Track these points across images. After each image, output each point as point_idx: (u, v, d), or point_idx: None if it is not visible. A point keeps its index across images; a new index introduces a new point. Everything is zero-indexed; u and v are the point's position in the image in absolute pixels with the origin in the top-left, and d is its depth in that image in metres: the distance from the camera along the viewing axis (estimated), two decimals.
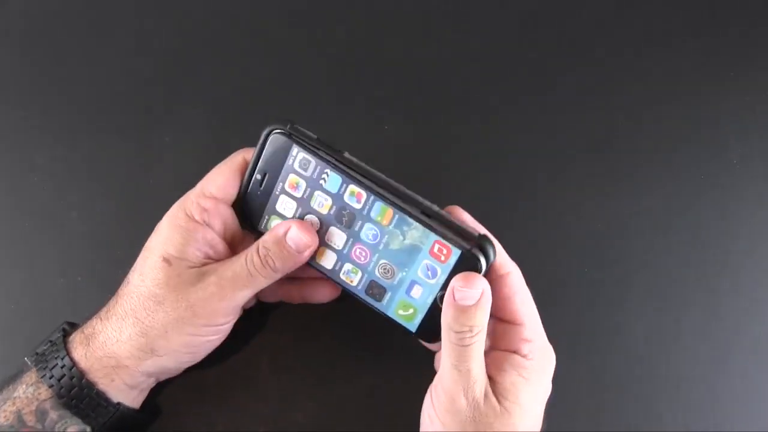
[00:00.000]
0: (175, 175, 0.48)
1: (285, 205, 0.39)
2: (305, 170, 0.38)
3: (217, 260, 0.39)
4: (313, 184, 0.38)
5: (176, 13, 0.52)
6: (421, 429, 0.38)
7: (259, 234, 0.39)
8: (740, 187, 0.48)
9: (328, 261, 0.39)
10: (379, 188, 0.37)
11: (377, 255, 0.38)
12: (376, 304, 0.39)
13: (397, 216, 0.37)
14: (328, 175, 0.38)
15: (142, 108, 0.50)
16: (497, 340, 0.38)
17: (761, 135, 0.49)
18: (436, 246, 0.36)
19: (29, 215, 0.47)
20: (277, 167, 0.38)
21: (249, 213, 0.40)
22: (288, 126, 0.38)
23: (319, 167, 0.38)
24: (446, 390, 0.36)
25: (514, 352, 0.37)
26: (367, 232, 0.38)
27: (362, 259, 0.38)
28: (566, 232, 0.47)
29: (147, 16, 0.52)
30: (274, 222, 0.39)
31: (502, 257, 0.38)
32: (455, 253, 0.36)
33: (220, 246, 0.39)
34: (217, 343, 0.40)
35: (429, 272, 0.37)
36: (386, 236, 0.38)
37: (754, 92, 0.50)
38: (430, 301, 0.37)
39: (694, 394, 0.44)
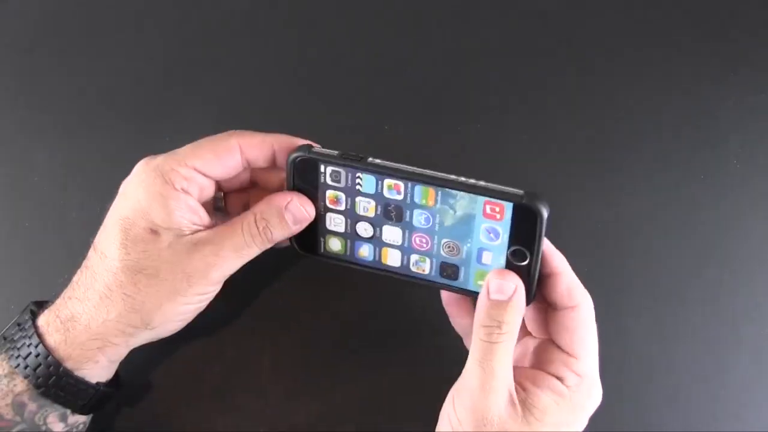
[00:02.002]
0: None
1: (334, 222, 0.40)
2: (339, 182, 0.38)
3: (203, 225, 0.38)
4: (351, 192, 0.38)
5: (176, 13, 0.52)
6: (438, 429, 0.37)
7: (322, 257, 0.41)
8: (740, 187, 0.48)
9: (394, 260, 0.39)
10: (412, 173, 0.37)
11: (436, 236, 0.38)
12: (454, 284, 0.39)
13: (440, 193, 0.37)
14: (361, 179, 0.38)
15: (142, 108, 0.50)
16: (546, 363, 0.37)
17: (761, 135, 0.49)
18: (488, 207, 0.36)
19: (29, 215, 0.47)
20: (312, 189, 0.39)
21: (305, 240, 0.40)
22: (308, 150, 0.38)
23: (350, 174, 0.38)
24: (468, 387, 0.35)
25: (559, 378, 0.36)
26: (419, 218, 0.38)
27: (424, 245, 0.39)
28: (566, 232, 0.47)
29: (147, 16, 0.52)
30: (333, 241, 0.40)
31: (576, 290, 0.37)
32: (508, 208, 0.36)
33: (202, 212, 0.38)
34: (201, 309, 0.40)
35: (491, 234, 0.37)
36: (437, 216, 0.38)
37: (754, 92, 0.50)
38: (503, 261, 0.37)
39: (694, 394, 0.44)
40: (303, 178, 0.39)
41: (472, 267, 0.38)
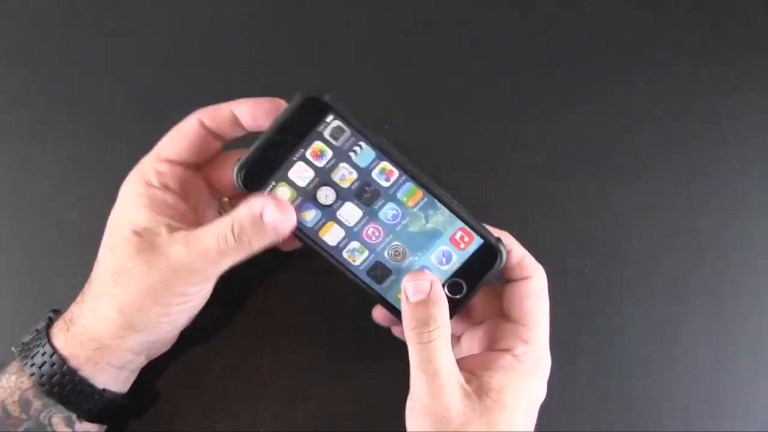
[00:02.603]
0: None
1: (300, 174, 0.37)
2: (335, 139, 0.37)
3: (186, 224, 0.37)
4: (341, 156, 0.37)
5: (176, 13, 0.52)
6: None
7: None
8: (740, 187, 0.48)
9: (332, 237, 0.38)
10: (412, 169, 0.37)
11: (391, 236, 0.38)
12: (374, 286, 0.38)
13: (426, 199, 0.37)
14: (361, 148, 0.37)
15: (142, 108, 0.50)
16: (497, 340, 0.38)
17: (761, 135, 0.49)
18: (459, 233, 0.37)
19: (29, 215, 0.47)
20: (302, 132, 0.37)
21: (253, 176, 0.37)
22: (328, 95, 0.37)
23: (352, 138, 0.37)
24: (417, 394, 0.35)
25: (508, 350, 0.37)
26: (387, 211, 0.37)
27: (373, 238, 0.38)
28: (566, 232, 0.47)
29: (147, 16, 0.52)
30: (282, 189, 0.37)
31: (525, 262, 0.38)
32: (476, 242, 0.37)
33: (183, 208, 0.38)
34: (197, 308, 0.38)
35: (444, 258, 0.37)
36: (407, 218, 0.37)
37: (754, 93, 0.50)
38: None
39: (694, 394, 0.44)
40: (301, 116, 0.37)
41: (401, 278, 0.37)
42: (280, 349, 0.44)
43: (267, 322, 0.45)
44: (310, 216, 0.38)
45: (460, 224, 0.37)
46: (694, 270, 0.46)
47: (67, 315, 0.38)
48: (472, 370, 0.36)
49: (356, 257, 0.38)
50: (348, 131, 0.37)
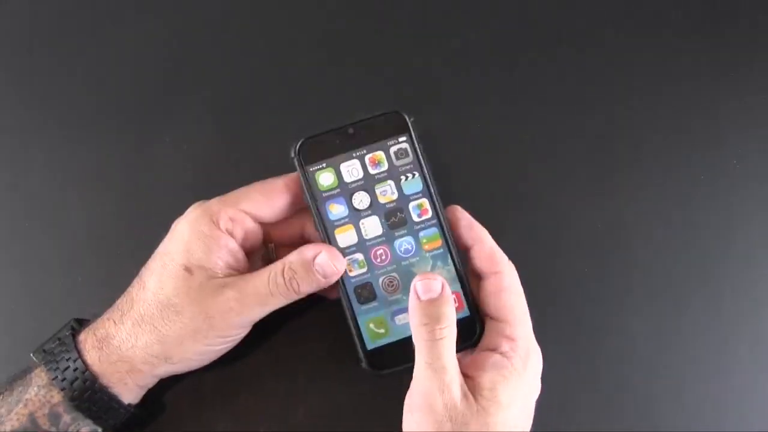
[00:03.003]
0: (174, 175, 0.48)
1: (350, 169, 0.38)
2: (397, 158, 0.38)
3: (238, 270, 0.39)
4: (393, 174, 0.38)
5: (176, 13, 0.52)
6: None
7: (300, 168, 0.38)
8: (740, 187, 0.48)
9: (345, 239, 0.39)
10: (443, 219, 0.38)
11: (395, 266, 0.38)
12: (353, 305, 0.39)
13: (441, 250, 0.38)
14: (413, 177, 0.38)
15: (142, 108, 0.50)
16: (483, 340, 0.38)
17: (761, 135, 0.49)
18: (453, 295, 0.37)
19: (29, 215, 0.47)
20: (373, 137, 0.38)
21: (310, 150, 0.39)
22: (413, 118, 0.38)
23: (411, 165, 0.38)
24: (421, 391, 0.35)
25: (495, 349, 0.37)
26: (404, 243, 0.38)
27: (378, 260, 0.38)
28: (566, 232, 0.47)
29: (147, 15, 0.52)
30: (326, 174, 0.38)
31: (497, 256, 0.38)
32: (463, 312, 0.38)
33: (241, 255, 0.39)
34: (227, 350, 0.40)
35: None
36: (417, 258, 0.38)
37: (754, 92, 0.50)
38: (407, 334, 0.37)
39: (694, 394, 0.44)
40: (379, 123, 0.38)
41: (383, 311, 0.38)
42: (280, 349, 0.44)
43: (267, 322, 0.45)
44: (337, 210, 0.39)
45: (458, 288, 0.38)
46: (694, 270, 0.46)
47: (99, 331, 0.38)
48: (465, 371, 0.36)
49: (354, 268, 0.39)
50: (411, 157, 0.38)
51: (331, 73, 0.50)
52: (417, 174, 0.38)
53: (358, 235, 0.39)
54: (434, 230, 0.38)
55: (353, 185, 0.38)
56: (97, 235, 0.47)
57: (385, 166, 0.38)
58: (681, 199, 0.47)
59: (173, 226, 0.39)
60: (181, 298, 0.37)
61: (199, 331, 0.37)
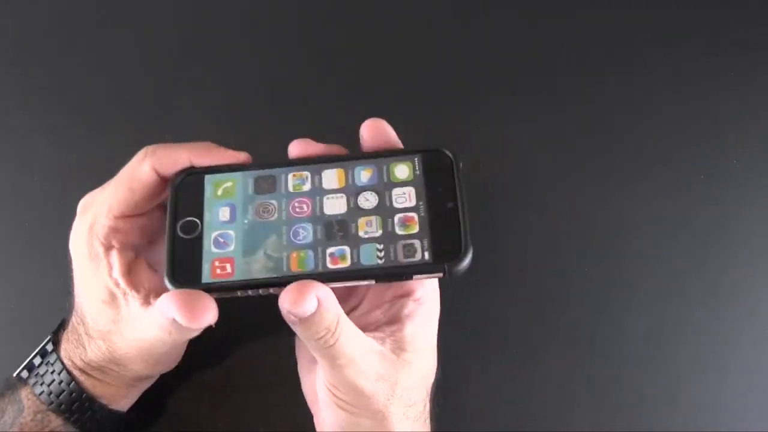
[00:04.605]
0: None
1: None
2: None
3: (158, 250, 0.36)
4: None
5: (176, 13, 0.52)
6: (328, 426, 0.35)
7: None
8: (740, 187, 0.48)
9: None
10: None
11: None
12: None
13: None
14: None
15: (142, 108, 0.50)
16: (395, 288, 0.36)
17: (761, 135, 0.49)
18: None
19: (29, 215, 0.47)
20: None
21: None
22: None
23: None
24: (343, 383, 0.33)
25: (408, 296, 0.35)
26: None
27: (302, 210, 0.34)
28: (566, 232, 0.47)
29: (147, 15, 0.52)
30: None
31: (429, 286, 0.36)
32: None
33: (150, 248, 0.37)
34: (180, 350, 0.38)
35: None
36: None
37: (754, 92, 0.50)
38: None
39: (694, 394, 0.44)
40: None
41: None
42: (280, 349, 0.44)
43: (267, 322, 0.45)
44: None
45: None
46: (693, 270, 0.46)
47: (77, 360, 0.36)
48: (381, 328, 0.35)
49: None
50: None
51: (332, 74, 0.50)
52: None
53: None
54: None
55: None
56: None
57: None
58: (681, 199, 0.47)
59: (71, 249, 0.37)
60: (114, 329, 0.35)
61: (148, 348, 0.34)
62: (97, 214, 0.35)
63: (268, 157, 0.36)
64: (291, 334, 0.45)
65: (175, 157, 0.35)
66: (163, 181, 0.36)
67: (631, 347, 0.45)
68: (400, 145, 0.36)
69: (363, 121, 0.49)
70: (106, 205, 0.35)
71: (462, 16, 0.52)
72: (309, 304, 0.31)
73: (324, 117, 0.49)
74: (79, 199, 0.48)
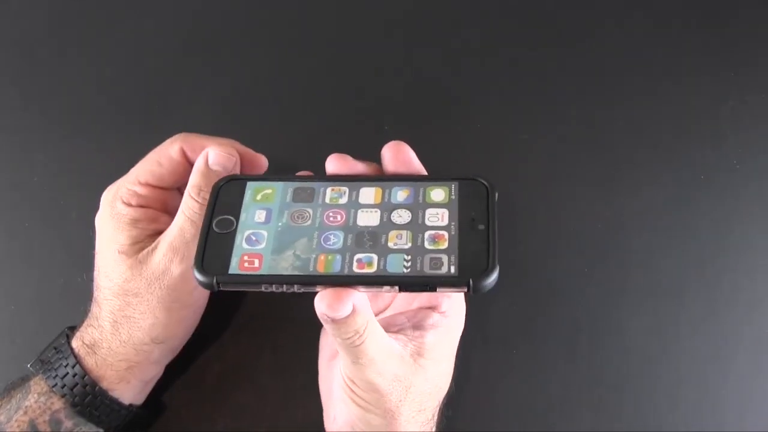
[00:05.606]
0: None
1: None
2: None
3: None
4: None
5: (177, 13, 0.52)
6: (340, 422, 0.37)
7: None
8: (740, 187, 0.48)
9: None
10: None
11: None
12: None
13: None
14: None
15: (142, 108, 0.50)
16: (423, 299, 0.38)
17: (761, 135, 0.49)
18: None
19: (29, 215, 0.47)
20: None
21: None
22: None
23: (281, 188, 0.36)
24: (361, 378, 0.34)
25: (434, 308, 0.37)
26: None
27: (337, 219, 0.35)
28: (566, 232, 0.47)
29: (147, 15, 0.52)
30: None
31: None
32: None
33: (165, 218, 0.39)
34: (204, 304, 0.40)
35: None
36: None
37: (754, 92, 0.50)
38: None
39: (694, 394, 0.44)
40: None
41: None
42: (280, 349, 0.44)
43: (267, 321, 0.45)
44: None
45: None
46: (693, 270, 0.46)
47: (86, 338, 0.38)
48: (404, 331, 0.36)
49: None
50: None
51: (333, 75, 0.50)
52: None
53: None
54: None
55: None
56: None
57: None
58: (681, 199, 0.47)
59: (95, 223, 0.40)
60: (130, 280, 0.37)
61: (164, 302, 0.37)
62: (122, 183, 0.39)
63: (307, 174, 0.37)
64: (291, 334, 0.45)
65: (203, 145, 0.39)
66: (188, 164, 0.39)
67: (630, 347, 0.45)
68: (423, 170, 0.37)
69: (363, 120, 0.49)
70: (133, 174, 0.39)
71: (462, 16, 0.52)
72: (345, 309, 0.32)
73: (325, 116, 0.49)
74: (79, 199, 0.48)
